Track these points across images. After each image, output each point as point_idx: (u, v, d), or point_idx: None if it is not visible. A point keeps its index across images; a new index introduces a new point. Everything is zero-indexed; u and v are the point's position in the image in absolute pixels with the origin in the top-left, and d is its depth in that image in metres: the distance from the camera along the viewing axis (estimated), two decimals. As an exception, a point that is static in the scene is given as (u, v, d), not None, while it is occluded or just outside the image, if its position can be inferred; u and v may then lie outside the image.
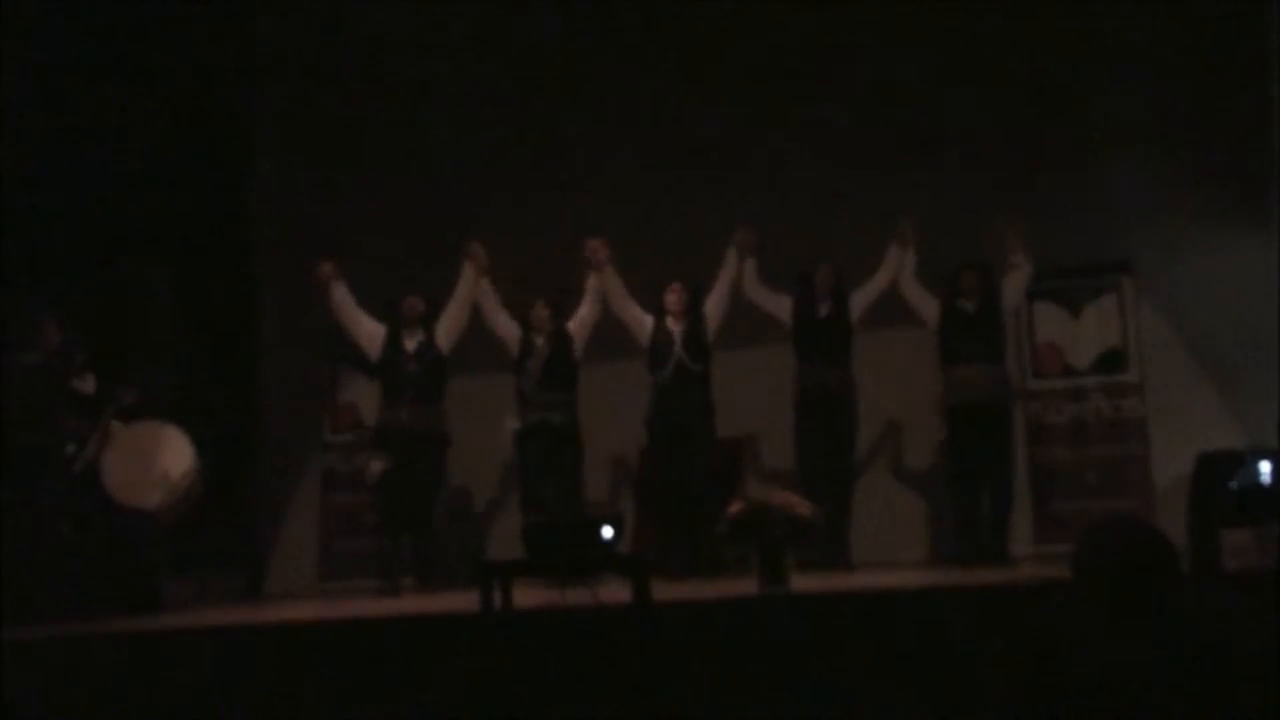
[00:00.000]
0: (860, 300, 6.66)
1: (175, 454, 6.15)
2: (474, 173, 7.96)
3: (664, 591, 4.67)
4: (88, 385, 6.21)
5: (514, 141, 7.93)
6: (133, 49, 7.39)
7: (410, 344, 6.76)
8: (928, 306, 6.62)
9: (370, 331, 6.84)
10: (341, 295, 6.78)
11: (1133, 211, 7.20)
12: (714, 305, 6.64)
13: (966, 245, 6.79)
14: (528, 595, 4.63)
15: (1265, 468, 4.55)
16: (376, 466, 6.68)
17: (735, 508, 5.02)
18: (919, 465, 7.35)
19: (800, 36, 7.65)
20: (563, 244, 6.95)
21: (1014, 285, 6.64)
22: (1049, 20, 7.32)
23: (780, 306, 6.76)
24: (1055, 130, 7.33)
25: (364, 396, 7.74)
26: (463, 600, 5.01)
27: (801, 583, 5.06)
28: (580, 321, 6.72)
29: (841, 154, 7.53)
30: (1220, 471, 4.57)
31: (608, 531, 4.37)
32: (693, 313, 6.60)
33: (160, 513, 6.11)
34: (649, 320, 6.65)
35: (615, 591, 4.45)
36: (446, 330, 6.79)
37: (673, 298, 6.60)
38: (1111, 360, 7.20)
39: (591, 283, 6.66)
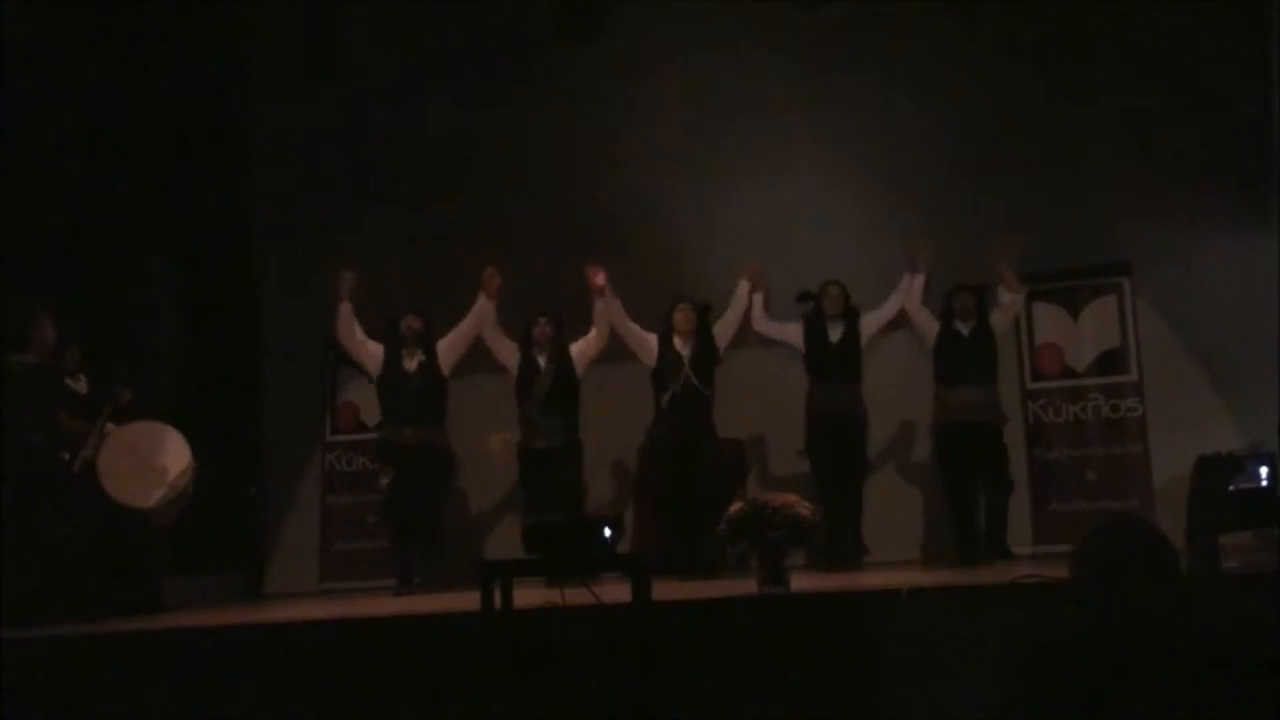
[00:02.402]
0: (872, 324, 6.76)
1: (172, 453, 6.15)
2: (476, 183, 7.93)
3: (664, 591, 4.67)
4: (80, 385, 6.21)
5: (517, 157, 7.91)
6: (133, 49, 7.39)
7: (410, 363, 6.80)
8: (929, 328, 6.72)
9: (369, 352, 6.88)
10: (345, 315, 6.81)
11: (1133, 211, 7.20)
12: (724, 332, 6.73)
13: (968, 246, 6.81)
14: (528, 595, 4.63)
15: (1264, 471, 4.55)
16: (386, 481, 6.79)
17: (735, 508, 5.02)
18: (923, 466, 7.34)
19: (803, 45, 7.65)
20: (568, 263, 6.97)
21: (1001, 321, 6.72)
22: (1049, 22, 7.33)
23: (791, 334, 6.84)
24: (1055, 131, 7.32)
25: (364, 396, 7.73)
26: (463, 600, 5.00)
27: (801, 583, 5.06)
28: (587, 345, 6.77)
29: (844, 155, 7.54)
30: (1219, 475, 4.56)
31: (608, 531, 4.36)
32: (701, 333, 6.62)
33: (158, 511, 6.11)
34: (653, 339, 6.68)
35: (615, 591, 4.44)
36: (448, 351, 6.83)
37: (681, 318, 6.63)
38: (1111, 360, 7.21)
39: (598, 310, 6.70)
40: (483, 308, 6.77)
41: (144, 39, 7.45)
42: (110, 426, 6.12)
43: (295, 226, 8.16)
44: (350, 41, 8.23)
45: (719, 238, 7.42)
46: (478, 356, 7.02)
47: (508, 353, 6.81)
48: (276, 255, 8.22)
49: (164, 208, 7.64)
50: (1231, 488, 4.54)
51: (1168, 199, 7.15)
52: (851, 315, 6.74)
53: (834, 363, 6.71)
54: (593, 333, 6.76)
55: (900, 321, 6.85)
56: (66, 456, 5.97)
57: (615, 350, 6.91)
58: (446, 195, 7.95)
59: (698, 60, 7.76)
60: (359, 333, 6.87)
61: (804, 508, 4.94)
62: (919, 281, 6.71)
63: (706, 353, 6.64)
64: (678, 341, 6.65)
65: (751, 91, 7.70)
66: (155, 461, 6.10)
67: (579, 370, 6.77)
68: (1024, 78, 7.38)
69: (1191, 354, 7.13)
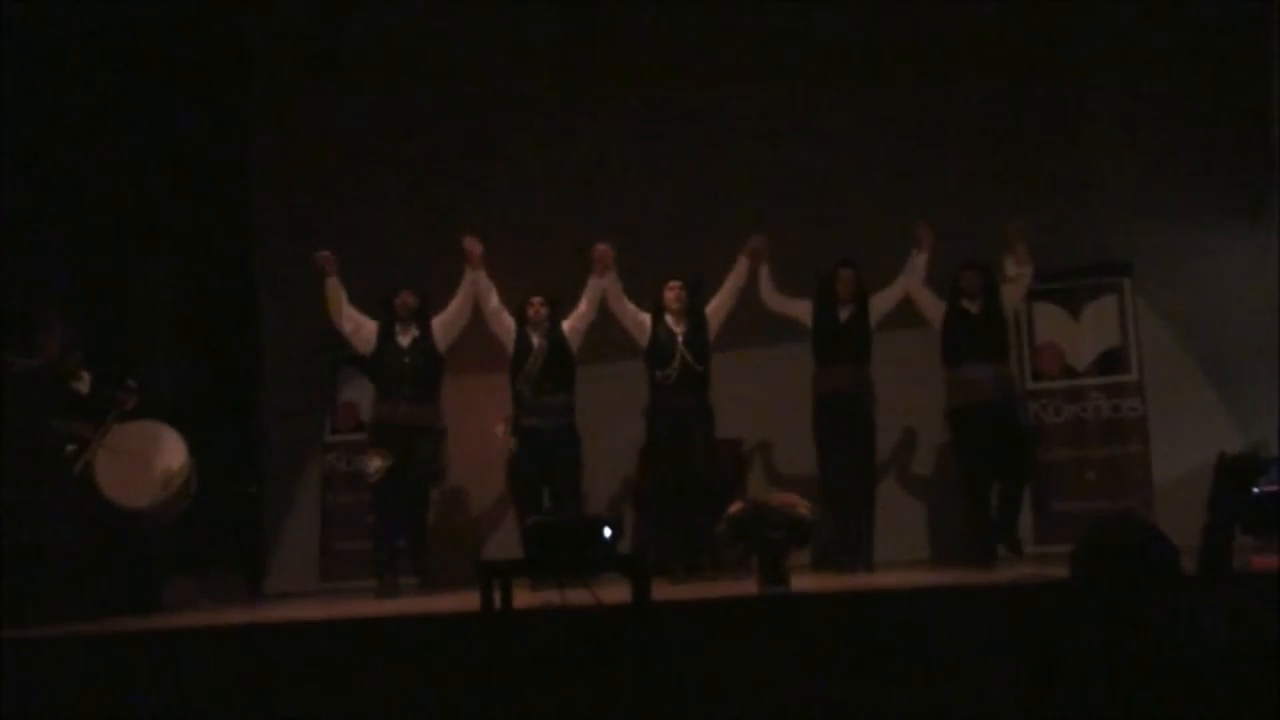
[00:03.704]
0: (880, 306, 6.62)
1: (168, 452, 6.14)
2: (474, 171, 7.96)
3: (664, 591, 4.67)
4: (83, 386, 6.20)
5: (514, 138, 7.93)
6: (133, 49, 7.39)
7: (404, 339, 6.75)
8: (934, 308, 6.60)
9: (359, 326, 6.80)
10: (333, 289, 6.73)
11: (1133, 211, 7.20)
12: (718, 309, 6.62)
13: (968, 245, 6.80)
14: (528, 595, 4.63)
15: None
16: (377, 463, 6.63)
17: (735, 508, 5.02)
18: (923, 465, 7.35)
19: (803, 34, 7.66)
20: (563, 241, 6.96)
21: (1012, 295, 6.61)
22: (1050, 20, 7.33)
23: (800, 311, 6.71)
24: (1056, 130, 7.33)
25: (364, 396, 7.73)
26: (463, 600, 5.00)
27: (801, 583, 5.06)
28: (578, 319, 6.69)
29: (842, 153, 7.54)
30: (1243, 475, 4.50)
31: (608, 531, 4.36)
32: (694, 311, 6.58)
33: (155, 511, 6.11)
34: (647, 319, 6.64)
35: (615, 591, 4.44)
36: (444, 326, 6.76)
37: (671, 295, 6.56)
38: (1111, 360, 7.21)
39: (592, 283, 6.64)
40: (476, 280, 6.67)
41: (144, 39, 7.45)
42: (115, 428, 6.11)
43: (295, 226, 8.17)
44: (350, 41, 8.24)
45: (719, 224, 7.42)
46: (477, 353, 7.01)
47: (506, 328, 6.72)
48: (276, 255, 8.23)
49: (164, 207, 7.64)
50: (1256, 490, 4.48)
51: (1168, 199, 7.15)
52: (861, 300, 6.61)
53: (842, 344, 6.57)
54: (582, 305, 6.68)
55: (909, 305, 6.75)
56: (69, 458, 5.96)
57: (612, 351, 6.90)
58: (446, 194, 7.96)
59: (696, 53, 7.76)
60: (351, 310, 6.80)
61: (804, 507, 4.94)
62: (921, 260, 6.58)
63: (700, 330, 6.57)
64: (670, 319, 6.58)
65: (753, 81, 7.70)
66: (151, 461, 6.09)
67: (574, 346, 6.69)
68: (1024, 77, 7.38)
69: (1191, 354, 7.13)
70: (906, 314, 6.74)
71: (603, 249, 6.54)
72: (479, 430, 7.12)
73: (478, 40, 8.02)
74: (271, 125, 8.41)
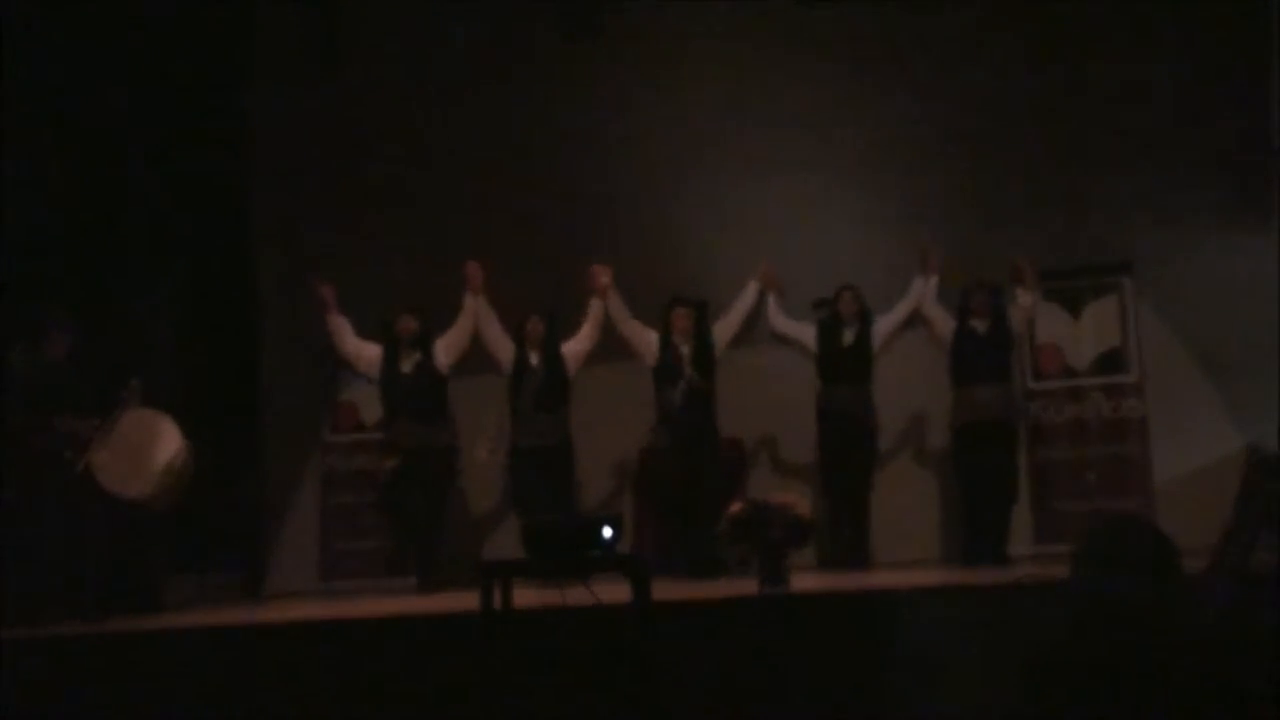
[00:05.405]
0: (884, 328, 6.76)
1: (163, 437, 6.12)
2: (475, 183, 7.92)
3: (664, 591, 4.67)
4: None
5: (517, 156, 7.90)
6: (134, 50, 7.39)
7: (407, 365, 6.83)
8: (944, 324, 6.71)
9: (369, 357, 6.92)
10: (335, 323, 6.89)
11: (1133, 211, 7.20)
12: (724, 330, 6.73)
13: (970, 249, 6.82)
14: (528, 595, 4.63)
15: None
16: (391, 464, 6.76)
17: (735, 508, 5.02)
18: (928, 468, 7.34)
19: (805, 44, 7.64)
20: (565, 261, 6.98)
21: (1018, 317, 6.69)
22: (1049, 22, 7.33)
23: (805, 335, 6.85)
24: (1055, 131, 7.32)
25: (364, 397, 7.74)
26: (463, 600, 5.01)
27: (801, 583, 5.06)
28: (579, 342, 6.77)
29: (846, 154, 7.53)
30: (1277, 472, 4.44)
31: (608, 531, 4.36)
32: (700, 331, 6.64)
33: (158, 498, 6.10)
34: (654, 337, 6.69)
35: (615, 591, 4.45)
36: (445, 349, 6.85)
37: (678, 323, 6.64)
38: (1111, 360, 7.21)
39: (594, 308, 6.71)
40: (475, 305, 6.76)
41: (145, 39, 7.45)
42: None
43: (296, 226, 8.16)
44: (351, 42, 8.23)
45: (722, 237, 7.42)
46: (476, 357, 7.01)
47: (504, 349, 6.80)
48: (277, 256, 8.22)
49: (164, 208, 7.63)
50: None
51: (1168, 199, 7.14)
52: (866, 319, 6.74)
53: (846, 366, 6.70)
54: (585, 329, 6.76)
55: (916, 320, 6.81)
56: (69, 456, 5.96)
57: (613, 350, 6.91)
58: (447, 194, 7.95)
59: (700, 59, 7.76)
60: (355, 340, 6.94)
61: (804, 508, 4.95)
62: (932, 282, 6.71)
63: (706, 351, 6.65)
64: (677, 340, 6.65)
65: (754, 91, 7.69)
66: (149, 450, 6.07)
67: (571, 369, 6.76)
68: (1024, 78, 7.38)
69: (1191, 354, 7.12)
70: (916, 319, 6.81)
71: (597, 270, 6.65)
72: (476, 433, 7.14)
73: (480, 47, 7.99)
74: (272, 128, 8.39)
